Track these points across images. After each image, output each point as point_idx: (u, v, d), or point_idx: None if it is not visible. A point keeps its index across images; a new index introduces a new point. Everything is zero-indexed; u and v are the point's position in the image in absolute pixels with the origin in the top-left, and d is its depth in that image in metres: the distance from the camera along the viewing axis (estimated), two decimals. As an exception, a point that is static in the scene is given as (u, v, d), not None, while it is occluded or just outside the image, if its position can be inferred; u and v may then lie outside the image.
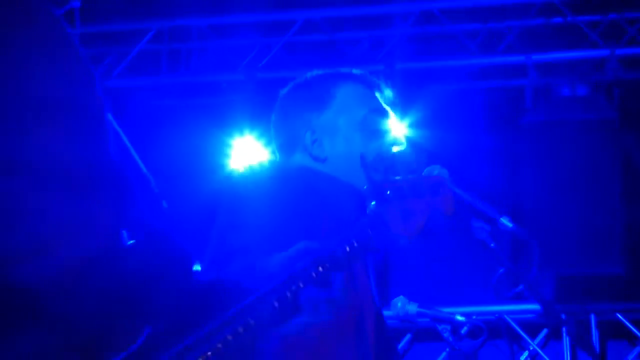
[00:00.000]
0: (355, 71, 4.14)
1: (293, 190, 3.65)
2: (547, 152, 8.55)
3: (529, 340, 8.93)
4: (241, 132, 8.18)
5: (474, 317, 8.23)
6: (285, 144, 4.03)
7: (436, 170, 3.76)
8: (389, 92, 4.05)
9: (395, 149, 3.93)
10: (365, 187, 3.70)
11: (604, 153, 8.44)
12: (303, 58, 9.37)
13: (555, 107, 8.72)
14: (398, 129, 4.15)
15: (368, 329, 3.85)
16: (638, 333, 8.93)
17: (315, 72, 4.20)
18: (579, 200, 8.44)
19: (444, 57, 9.40)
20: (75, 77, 2.12)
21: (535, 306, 8.09)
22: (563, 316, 8.01)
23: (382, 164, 3.84)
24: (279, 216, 3.49)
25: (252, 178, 4.25)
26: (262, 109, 6.84)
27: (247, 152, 7.95)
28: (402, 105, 4.45)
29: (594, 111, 8.53)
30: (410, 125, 4.84)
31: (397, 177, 3.45)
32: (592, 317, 8.80)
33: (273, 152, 4.30)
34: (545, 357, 8.99)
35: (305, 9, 9.23)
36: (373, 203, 3.25)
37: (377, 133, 3.94)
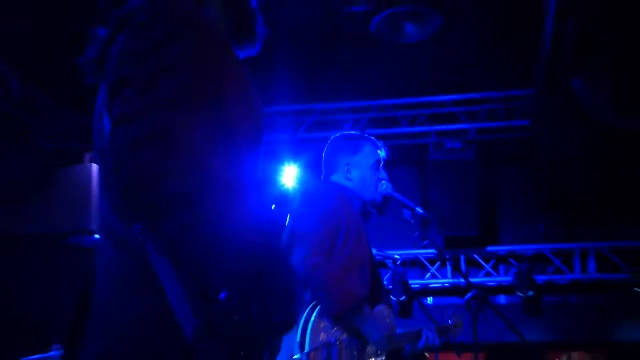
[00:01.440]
0: (372, 138, 4.06)
1: (333, 197, 3.69)
2: (441, 177, 8.56)
3: (430, 267, 9.30)
4: (288, 163, 8.03)
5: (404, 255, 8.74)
6: (330, 167, 3.94)
7: (384, 185, 3.87)
8: (384, 152, 3.95)
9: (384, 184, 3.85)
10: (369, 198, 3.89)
11: (468, 178, 8.55)
12: (321, 128, 8.73)
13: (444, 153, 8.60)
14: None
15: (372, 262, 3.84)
16: (484, 264, 9.35)
17: (352, 132, 4.25)
18: (456, 201, 8.43)
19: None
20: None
21: (432, 250, 8.58)
22: (447, 256, 8.79)
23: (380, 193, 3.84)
24: (326, 214, 3.51)
25: (312, 190, 4.08)
26: (300, 152, 8.07)
27: (291, 174, 7.85)
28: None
29: (461, 155, 8.60)
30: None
31: None
32: (462, 256, 9.23)
33: (322, 171, 4.09)
34: (439, 275, 9.26)
35: (320, 103, 8.81)
36: None
37: (378, 172, 3.84)
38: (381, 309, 3.71)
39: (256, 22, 2.07)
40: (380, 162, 3.93)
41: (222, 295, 1.41)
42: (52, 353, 4.84)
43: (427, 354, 4.29)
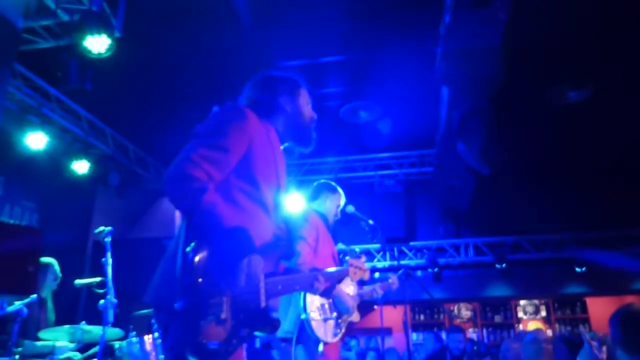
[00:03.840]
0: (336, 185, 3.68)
1: (314, 217, 3.36)
2: (382, 202, 8.18)
3: (376, 255, 9.15)
4: (293, 192, 7.24)
5: (361, 248, 8.53)
6: (311, 199, 3.56)
7: (350, 207, 3.58)
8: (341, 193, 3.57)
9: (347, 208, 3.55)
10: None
11: (398, 202, 8.19)
12: (311, 173, 8.31)
13: (383, 188, 8.35)
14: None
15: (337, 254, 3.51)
16: (408, 252, 9.08)
17: (332, 182, 3.74)
18: (392, 216, 8.10)
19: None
20: None
21: (379, 245, 8.56)
22: (387, 248, 8.43)
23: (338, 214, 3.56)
24: (310, 229, 3.22)
25: (300, 215, 3.42)
26: (300, 187, 7.66)
27: (293, 201, 6.97)
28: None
29: (394, 188, 8.26)
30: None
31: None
32: (395, 248, 8.95)
33: (307, 201, 3.69)
34: (382, 259, 8.98)
35: (310, 158, 8.30)
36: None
37: (336, 210, 3.52)
38: (346, 280, 3.29)
39: (312, 137, 2.07)
40: (339, 206, 3.62)
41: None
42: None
43: (375, 307, 4.10)
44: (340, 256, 3.61)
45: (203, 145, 1.62)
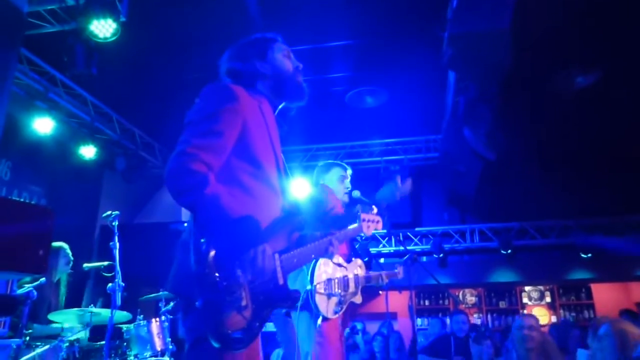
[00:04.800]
0: (341, 163, 3.68)
1: (329, 190, 3.44)
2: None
3: (382, 240, 8.99)
4: (298, 177, 6.94)
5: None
6: (313, 183, 3.60)
7: (356, 192, 3.51)
8: (349, 171, 3.57)
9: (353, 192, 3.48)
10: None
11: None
12: (316, 159, 8.25)
13: (389, 173, 8.09)
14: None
15: None
16: (414, 238, 9.12)
17: (329, 160, 3.80)
18: (397, 201, 8.55)
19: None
20: None
21: (384, 230, 8.35)
22: (392, 233, 8.69)
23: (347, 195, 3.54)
24: (312, 210, 3.27)
25: (307, 199, 3.43)
26: (305, 172, 7.46)
27: (299, 186, 6.44)
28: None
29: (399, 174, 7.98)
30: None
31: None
32: (401, 233, 8.95)
33: (311, 185, 3.69)
34: (387, 245, 8.96)
35: (315, 144, 8.39)
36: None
37: (344, 183, 3.54)
38: (355, 261, 3.49)
39: (302, 87, 1.96)
40: (345, 177, 3.62)
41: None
42: (160, 294, 4.78)
43: (380, 292, 4.06)
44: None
45: (196, 134, 1.59)
